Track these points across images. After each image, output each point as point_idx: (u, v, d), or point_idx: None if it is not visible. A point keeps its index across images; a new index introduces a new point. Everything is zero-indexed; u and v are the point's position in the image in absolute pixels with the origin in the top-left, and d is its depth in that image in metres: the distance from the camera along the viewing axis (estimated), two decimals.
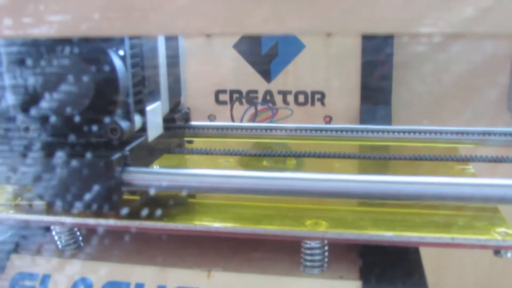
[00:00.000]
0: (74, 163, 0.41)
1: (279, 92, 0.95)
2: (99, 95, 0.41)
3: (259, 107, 0.92)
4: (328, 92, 0.93)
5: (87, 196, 0.42)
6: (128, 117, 0.44)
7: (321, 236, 0.46)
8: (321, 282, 0.47)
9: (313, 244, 0.48)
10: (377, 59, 0.89)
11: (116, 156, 0.42)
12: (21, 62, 0.42)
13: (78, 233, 0.54)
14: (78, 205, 0.43)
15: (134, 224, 0.49)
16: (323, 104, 0.94)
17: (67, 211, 0.48)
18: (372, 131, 0.64)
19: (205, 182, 0.45)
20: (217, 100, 0.97)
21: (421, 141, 0.64)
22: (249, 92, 0.96)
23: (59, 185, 0.42)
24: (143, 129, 0.47)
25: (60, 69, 0.41)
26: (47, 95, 0.41)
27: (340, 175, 0.45)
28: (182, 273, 0.48)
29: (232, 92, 0.97)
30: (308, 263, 0.48)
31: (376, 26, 0.29)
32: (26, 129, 0.43)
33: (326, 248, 0.48)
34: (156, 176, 0.45)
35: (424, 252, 0.51)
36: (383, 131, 0.64)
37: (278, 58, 0.93)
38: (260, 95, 0.96)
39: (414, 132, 0.63)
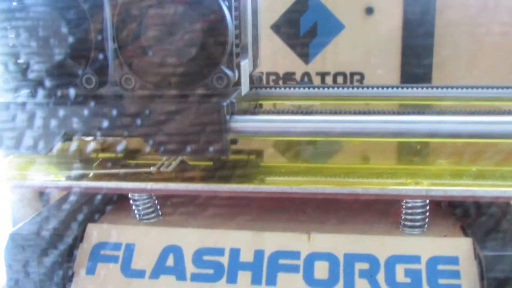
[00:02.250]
0: (184, 109, 0.39)
1: (317, 73, 0.93)
2: (209, 44, 0.39)
3: None
4: (367, 73, 0.92)
5: (198, 142, 0.40)
6: (231, 67, 0.42)
7: (424, 194, 0.45)
8: (428, 241, 0.45)
9: (414, 203, 0.47)
10: (418, 40, 0.88)
11: (227, 102, 0.40)
12: (130, 13, 0.39)
13: (156, 201, 0.52)
14: (189, 151, 0.41)
15: (222, 188, 0.47)
16: None
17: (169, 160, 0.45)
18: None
19: (311, 128, 0.43)
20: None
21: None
22: (286, 74, 0.94)
23: (170, 133, 0.40)
24: (237, 83, 0.46)
25: (173, 19, 0.39)
26: (158, 46, 0.39)
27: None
28: (281, 236, 0.46)
29: (268, 74, 0.95)
30: (408, 223, 0.47)
31: None
32: (128, 80, 0.41)
33: (428, 207, 0.47)
34: (263, 123, 0.43)
35: None
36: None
37: (317, 38, 0.92)
38: (297, 77, 0.94)
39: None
